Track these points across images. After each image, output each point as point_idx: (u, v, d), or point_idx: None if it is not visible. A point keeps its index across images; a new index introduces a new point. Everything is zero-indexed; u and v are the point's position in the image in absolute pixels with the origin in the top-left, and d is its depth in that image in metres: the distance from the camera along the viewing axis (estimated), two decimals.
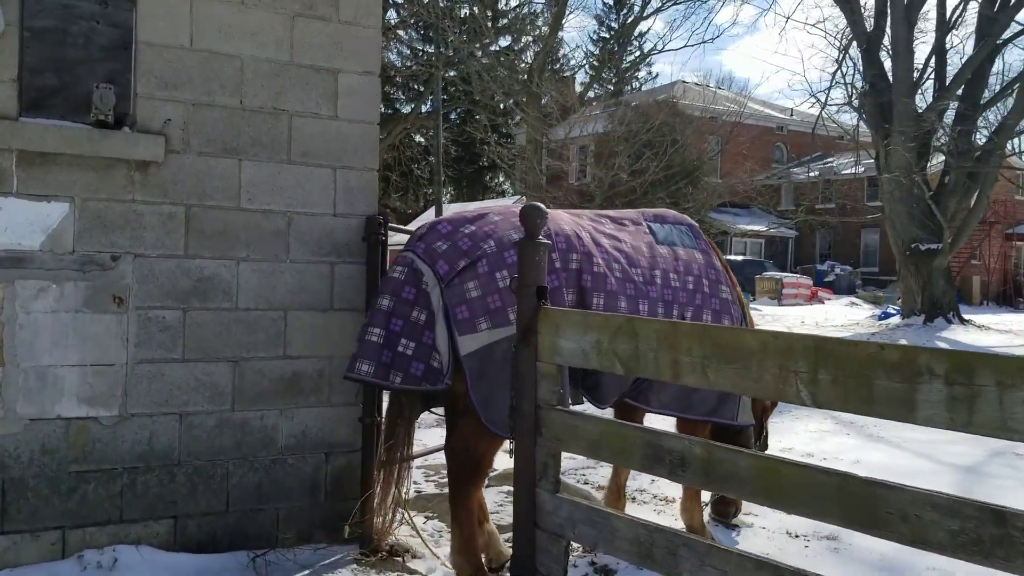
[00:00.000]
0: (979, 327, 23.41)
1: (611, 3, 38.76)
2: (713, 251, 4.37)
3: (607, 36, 37.93)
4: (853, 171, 32.69)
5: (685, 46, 58.48)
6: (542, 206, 3.34)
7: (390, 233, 4.36)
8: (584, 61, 34.22)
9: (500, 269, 3.70)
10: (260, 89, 4.04)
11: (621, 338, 2.94)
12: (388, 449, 3.84)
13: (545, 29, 21.08)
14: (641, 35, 29.16)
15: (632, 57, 31.13)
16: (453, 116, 33.65)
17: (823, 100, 25.24)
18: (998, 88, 24.10)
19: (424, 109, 28.41)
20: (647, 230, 4.24)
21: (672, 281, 4.07)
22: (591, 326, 3.05)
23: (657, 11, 24.38)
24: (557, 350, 3.16)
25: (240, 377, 4.01)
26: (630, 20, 31.02)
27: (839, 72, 25.70)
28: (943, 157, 24.00)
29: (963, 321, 24.10)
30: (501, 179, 39.55)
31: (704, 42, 55.18)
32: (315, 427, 4.18)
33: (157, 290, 3.85)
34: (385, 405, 4.11)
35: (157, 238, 3.85)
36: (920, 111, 23.17)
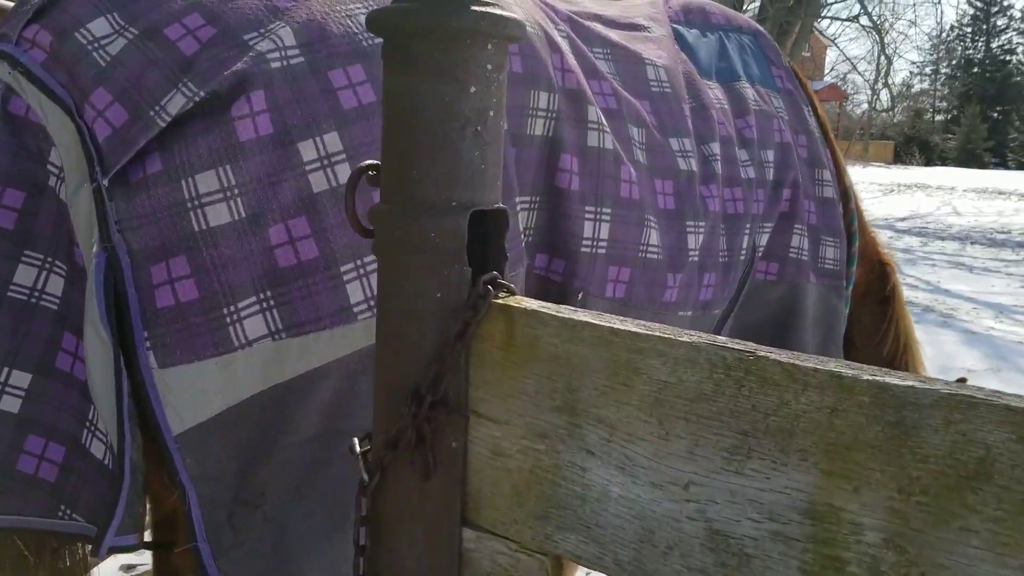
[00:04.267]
0: None
1: None
2: (800, 89, 2.00)
3: None
4: None
5: None
6: None
7: None
8: None
9: (320, 129, 1.20)
10: None
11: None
12: None
13: None
14: None
15: None
16: None
17: None
18: None
19: None
20: (674, 41, 1.77)
21: (742, 168, 1.70)
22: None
23: None
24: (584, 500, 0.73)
25: None
26: None
27: None
28: (758, 5, 22.91)
29: None
30: None
31: None
32: None
33: None
34: None
35: None
36: None
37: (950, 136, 46.22)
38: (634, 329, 0.71)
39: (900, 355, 2.04)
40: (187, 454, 1.09)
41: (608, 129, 1.43)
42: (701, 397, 0.67)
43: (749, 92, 1.82)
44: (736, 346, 0.66)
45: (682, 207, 1.54)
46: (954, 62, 54.90)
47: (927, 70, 55.48)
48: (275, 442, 1.13)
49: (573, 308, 0.76)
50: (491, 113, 0.80)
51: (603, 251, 1.42)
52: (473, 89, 0.78)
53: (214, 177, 1.12)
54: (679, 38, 1.79)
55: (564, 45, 1.46)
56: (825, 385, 0.62)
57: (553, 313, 0.75)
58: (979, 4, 54.61)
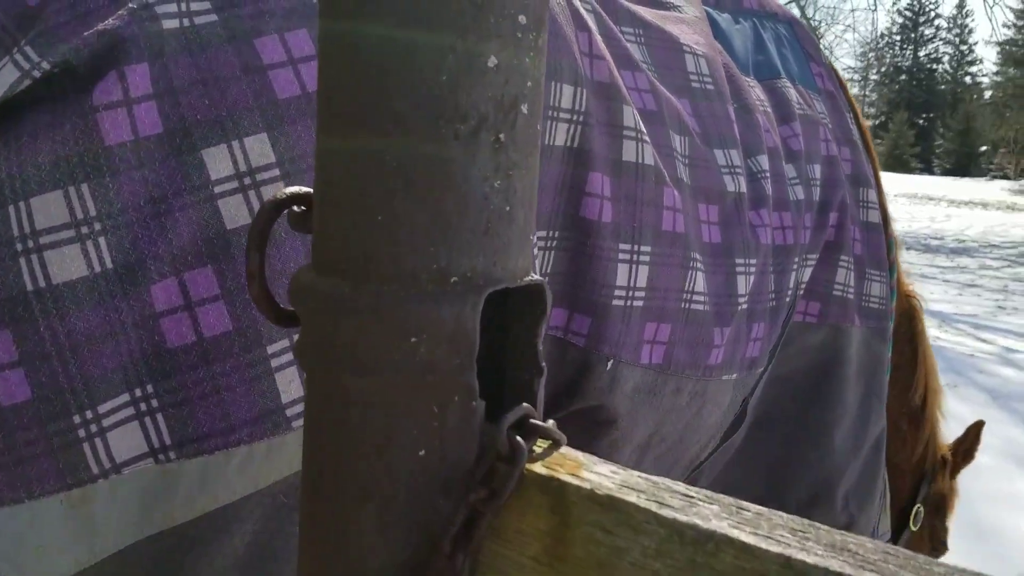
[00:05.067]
0: None
1: None
2: (841, 92, 1.66)
3: None
4: None
5: None
6: None
7: None
8: None
9: (240, 130, 0.76)
10: None
11: None
12: None
13: None
14: None
15: None
16: None
17: None
18: None
19: None
20: (709, 25, 1.41)
21: (790, 187, 1.36)
22: None
23: None
24: None
25: None
26: None
27: None
28: None
29: None
30: None
31: None
32: None
33: None
34: None
35: None
36: None
37: (878, 141, 47.91)
38: (838, 567, 0.34)
39: (930, 403, 1.75)
40: None
41: (648, 138, 1.05)
42: None
43: (792, 93, 1.46)
44: None
45: (730, 240, 1.17)
46: (883, 69, 56.71)
47: (856, 76, 57.16)
48: None
49: (690, 493, 0.39)
50: (524, 108, 0.42)
51: (640, 304, 1.04)
52: (493, 61, 0.41)
53: (62, 203, 0.70)
54: (712, 23, 1.42)
55: (591, 22, 1.07)
56: None
57: (653, 509, 0.38)
58: (907, 13, 56.46)
